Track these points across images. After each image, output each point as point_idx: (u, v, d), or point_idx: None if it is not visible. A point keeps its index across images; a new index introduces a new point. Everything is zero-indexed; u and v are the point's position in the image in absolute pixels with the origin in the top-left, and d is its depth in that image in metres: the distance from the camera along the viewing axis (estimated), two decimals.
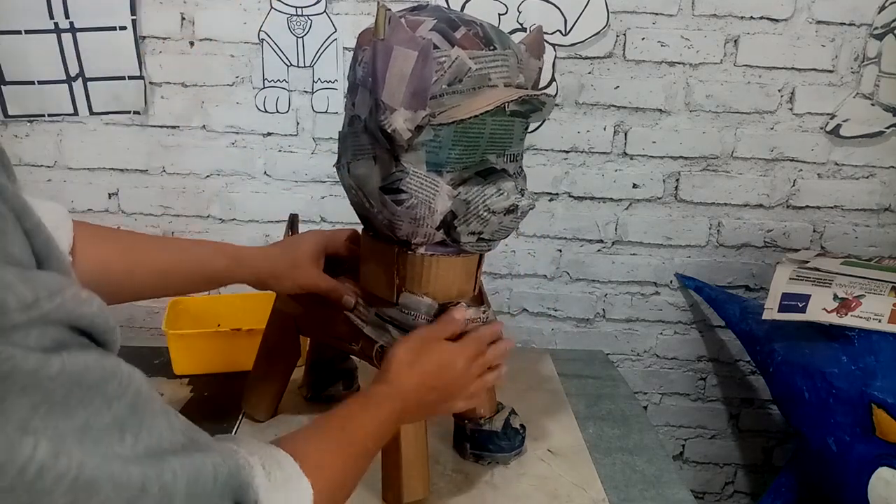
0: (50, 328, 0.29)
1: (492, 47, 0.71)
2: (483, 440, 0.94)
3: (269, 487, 0.44)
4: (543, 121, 1.43)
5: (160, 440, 0.33)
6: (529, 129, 0.82)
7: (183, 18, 1.40)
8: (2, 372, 0.26)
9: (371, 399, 0.68)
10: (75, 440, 0.28)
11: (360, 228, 0.89)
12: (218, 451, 0.38)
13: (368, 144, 0.75)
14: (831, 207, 1.51)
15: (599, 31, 1.40)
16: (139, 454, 0.32)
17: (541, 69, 0.80)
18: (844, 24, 1.39)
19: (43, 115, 1.40)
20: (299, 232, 1.06)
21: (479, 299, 0.86)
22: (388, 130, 0.69)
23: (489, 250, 0.81)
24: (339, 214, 1.49)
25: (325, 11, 1.39)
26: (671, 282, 1.56)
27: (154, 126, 1.44)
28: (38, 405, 0.27)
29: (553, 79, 1.43)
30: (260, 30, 1.39)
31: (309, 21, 1.39)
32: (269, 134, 1.46)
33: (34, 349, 0.27)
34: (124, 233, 0.87)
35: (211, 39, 1.41)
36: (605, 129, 1.46)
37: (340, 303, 0.86)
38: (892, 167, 1.48)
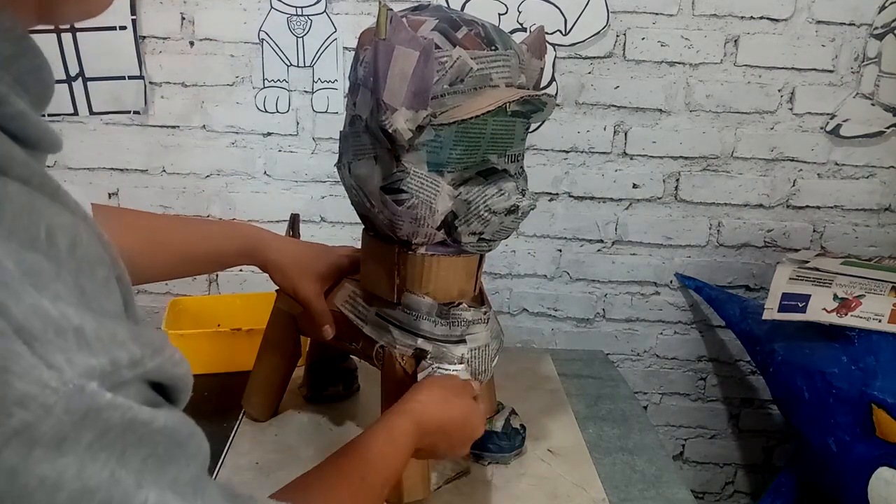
0: (146, 385, 0.30)
1: (493, 47, 0.71)
2: (483, 440, 0.94)
3: None
4: (544, 121, 1.43)
5: (217, 501, 0.34)
6: (530, 130, 0.82)
7: (183, 18, 1.40)
8: (124, 422, 0.27)
9: (396, 441, 0.66)
10: (171, 495, 0.29)
11: (360, 228, 0.89)
12: None
13: (369, 144, 0.75)
14: (831, 207, 1.51)
15: (599, 31, 1.40)
16: None
17: (542, 69, 0.80)
18: (844, 24, 1.40)
19: (43, 115, 1.40)
20: (300, 232, 1.06)
21: (480, 299, 0.86)
22: (390, 130, 0.69)
23: (490, 250, 0.81)
24: (340, 214, 1.49)
25: (325, 11, 1.39)
26: (671, 282, 1.56)
27: (154, 126, 1.44)
28: (147, 458, 0.28)
29: (553, 79, 1.43)
30: (260, 30, 1.39)
31: (309, 21, 1.39)
32: (269, 134, 1.46)
33: (141, 404, 0.28)
34: (142, 215, 0.88)
35: (211, 39, 1.41)
36: (605, 129, 1.46)
37: (320, 330, 0.89)
38: (892, 167, 1.48)
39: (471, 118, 0.67)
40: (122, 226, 0.75)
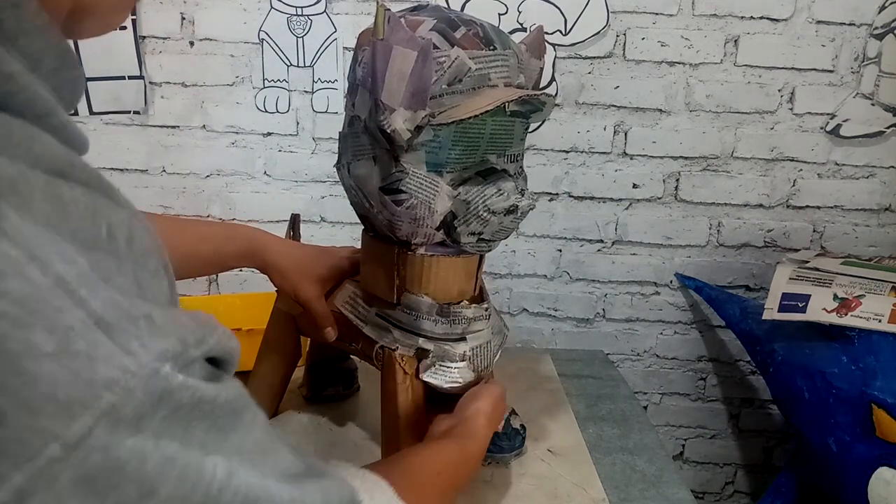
0: (205, 361, 0.32)
1: (492, 47, 0.71)
2: None
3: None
4: (544, 121, 1.43)
5: (288, 465, 0.36)
6: (530, 130, 0.81)
7: (183, 18, 1.40)
8: (193, 401, 0.29)
9: (466, 454, 0.68)
10: (237, 461, 0.31)
11: (360, 228, 0.89)
12: (335, 476, 0.41)
13: (368, 145, 0.75)
14: (831, 207, 1.51)
15: (599, 31, 1.40)
16: (278, 476, 0.34)
17: (542, 69, 0.79)
18: (844, 24, 1.40)
19: None
20: (301, 232, 1.06)
21: (480, 299, 0.86)
22: (388, 130, 0.69)
23: (489, 251, 0.81)
24: (340, 214, 1.49)
25: (325, 11, 1.39)
26: (671, 282, 1.56)
27: (154, 126, 1.44)
28: (210, 429, 0.30)
29: (553, 79, 1.43)
30: (260, 30, 1.39)
31: (309, 21, 1.39)
32: (269, 134, 1.46)
33: (205, 380, 0.31)
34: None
35: (211, 39, 1.41)
36: (605, 129, 1.46)
37: (322, 332, 0.88)
38: (892, 167, 1.48)
39: (469, 118, 0.67)
40: None
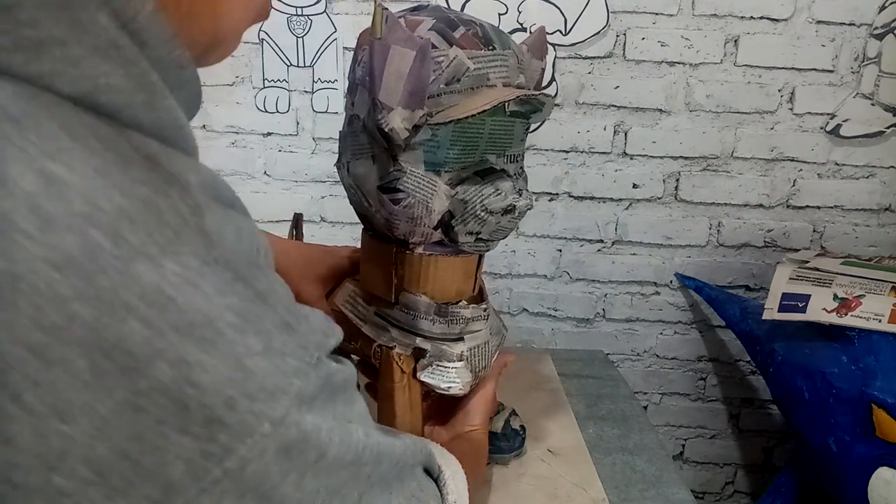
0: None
1: (491, 47, 0.71)
2: None
3: (444, 463, 0.56)
4: (544, 121, 1.43)
5: (373, 428, 0.42)
6: (530, 130, 0.81)
7: None
8: (341, 382, 0.37)
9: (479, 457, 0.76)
10: (365, 424, 0.39)
11: (360, 228, 0.89)
12: (408, 435, 0.49)
13: (367, 144, 0.75)
14: (831, 207, 1.51)
15: (599, 31, 1.40)
16: (385, 433, 0.42)
17: (543, 70, 0.79)
18: (844, 24, 1.39)
19: None
20: (303, 232, 1.06)
21: (479, 299, 0.85)
22: (386, 129, 0.69)
23: (488, 250, 0.81)
24: (340, 214, 1.49)
25: (325, 11, 1.39)
26: (671, 282, 1.56)
27: None
28: (347, 402, 0.38)
29: (553, 79, 1.43)
30: (260, 29, 1.39)
31: (309, 21, 1.39)
32: (269, 134, 1.46)
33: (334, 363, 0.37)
34: None
35: None
36: (605, 129, 1.46)
37: None
38: (892, 167, 1.48)
39: (466, 118, 0.67)
40: None
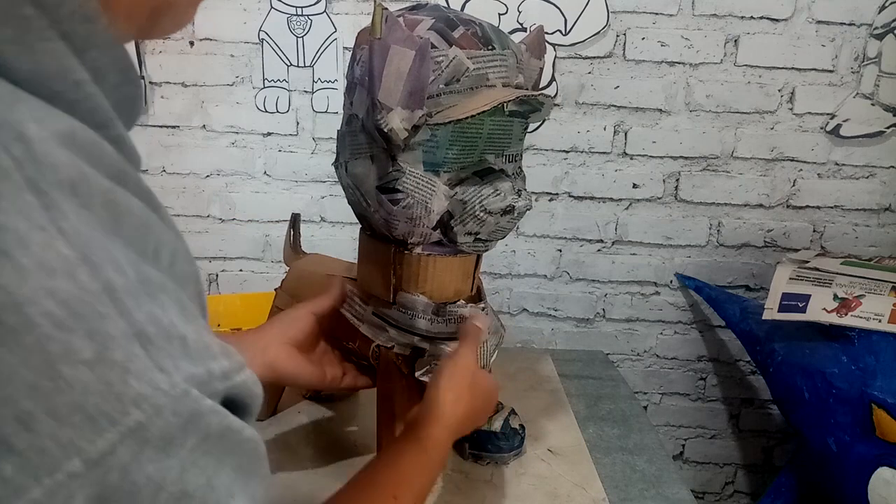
0: (225, 405, 0.30)
1: (490, 47, 0.71)
2: (482, 440, 0.94)
3: None
4: (543, 121, 1.43)
5: None
6: (529, 129, 0.82)
7: None
8: (221, 428, 0.28)
9: (429, 453, 0.65)
10: None
11: (359, 228, 0.89)
12: None
13: (366, 144, 0.75)
14: (831, 207, 1.51)
15: (599, 31, 1.40)
16: None
17: (541, 69, 0.79)
18: (844, 24, 1.39)
19: None
20: (301, 232, 1.06)
21: (477, 298, 0.85)
22: (385, 130, 0.69)
23: (486, 251, 0.81)
24: (340, 214, 1.49)
25: (325, 11, 1.39)
26: (671, 282, 1.56)
27: (154, 126, 1.45)
28: (238, 468, 0.29)
29: (553, 79, 1.43)
30: (260, 30, 1.39)
31: (309, 21, 1.39)
32: (269, 134, 1.46)
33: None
34: None
35: (211, 39, 1.41)
36: (605, 129, 1.46)
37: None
38: (892, 167, 1.48)
39: (466, 118, 0.67)
40: None
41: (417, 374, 0.80)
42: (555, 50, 1.41)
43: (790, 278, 1.28)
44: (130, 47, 1.37)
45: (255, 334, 0.77)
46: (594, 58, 1.42)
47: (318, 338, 0.83)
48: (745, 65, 1.43)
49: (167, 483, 0.25)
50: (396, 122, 0.69)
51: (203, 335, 0.29)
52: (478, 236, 0.76)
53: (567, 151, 1.48)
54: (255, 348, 0.74)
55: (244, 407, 0.32)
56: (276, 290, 0.98)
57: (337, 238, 1.51)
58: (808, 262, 1.32)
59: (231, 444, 0.28)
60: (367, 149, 0.75)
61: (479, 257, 0.82)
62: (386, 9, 0.68)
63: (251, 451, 0.30)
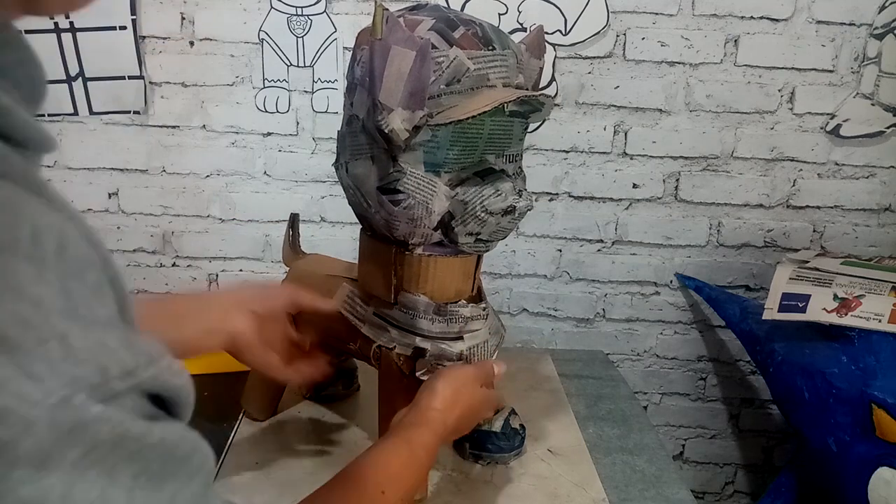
0: (144, 397, 0.28)
1: (491, 47, 0.71)
2: (482, 440, 0.94)
3: None
4: (543, 121, 1.43)
5: None
6: (529, 130, 0.81)
7: (183, 18, 1.40)
8: (114, 437, 0.25)
9: (416, 454, 0.65)
10: None
11: (360, 228, 0.89)
12: None
13: (366, 144, 0.75)
14: (831, 207, 1.51)
15: (599, 31, 1.40)
16: None
17: (541, 69, 0.79)
18: (844, 24, 1.39)
19: (43, 115, 1.40)
20: (300, 231, 1.06)
21: (478, 298, 0.86)
22: (386, 130, 0.69)
23: (487, 251, 0.81)
24: (340, 214, 1.49)
25: (325, 11, 1.39)
26: (671, 282, 1.56)
27: (154, 126, 1.45)
28: (139, 475, 0.26)
29: (553, 79, 1.43)
30: (260, 29, 1.39)
31: (309, 21, 1.39)
32: (269, 134, 1.46)
33: (136, 417, 0.27)
34: None
35: (211, 39, 1.41)
36: (605, 129, 1.46)
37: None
38: (892, 167, 1.48)
39: (467, 118, 0.67)
40: None
41: (418, 373, 0.80)
42: (555, 50, 1.41)
43: (790, 278, 1.28)
44: (130, 47, 1.38)
45: (226, 296, 0.77)
46: (594, 58, 1.42)
47: (283, 325, 0.81)
48: (745, 65, 1.43)
49: (51, 501, 0.23)
50: (397, 122, 0.69)
51: (95, 330, 0.26)
52: (479, 237, 0.76)
53: (567, 151, 1.48)
54: (221, 309, 0.73)
55: (169, 403, 0.29)
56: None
57: (337, 238, 1.51)
58: (808, 262, 1.32)
59: (129, 452, 0.26)
60: (368, 149, 0.75)
61: (479, 257, 0.83)
62: (386, 9, 0.68)
63: (164, 455, 0.27)
